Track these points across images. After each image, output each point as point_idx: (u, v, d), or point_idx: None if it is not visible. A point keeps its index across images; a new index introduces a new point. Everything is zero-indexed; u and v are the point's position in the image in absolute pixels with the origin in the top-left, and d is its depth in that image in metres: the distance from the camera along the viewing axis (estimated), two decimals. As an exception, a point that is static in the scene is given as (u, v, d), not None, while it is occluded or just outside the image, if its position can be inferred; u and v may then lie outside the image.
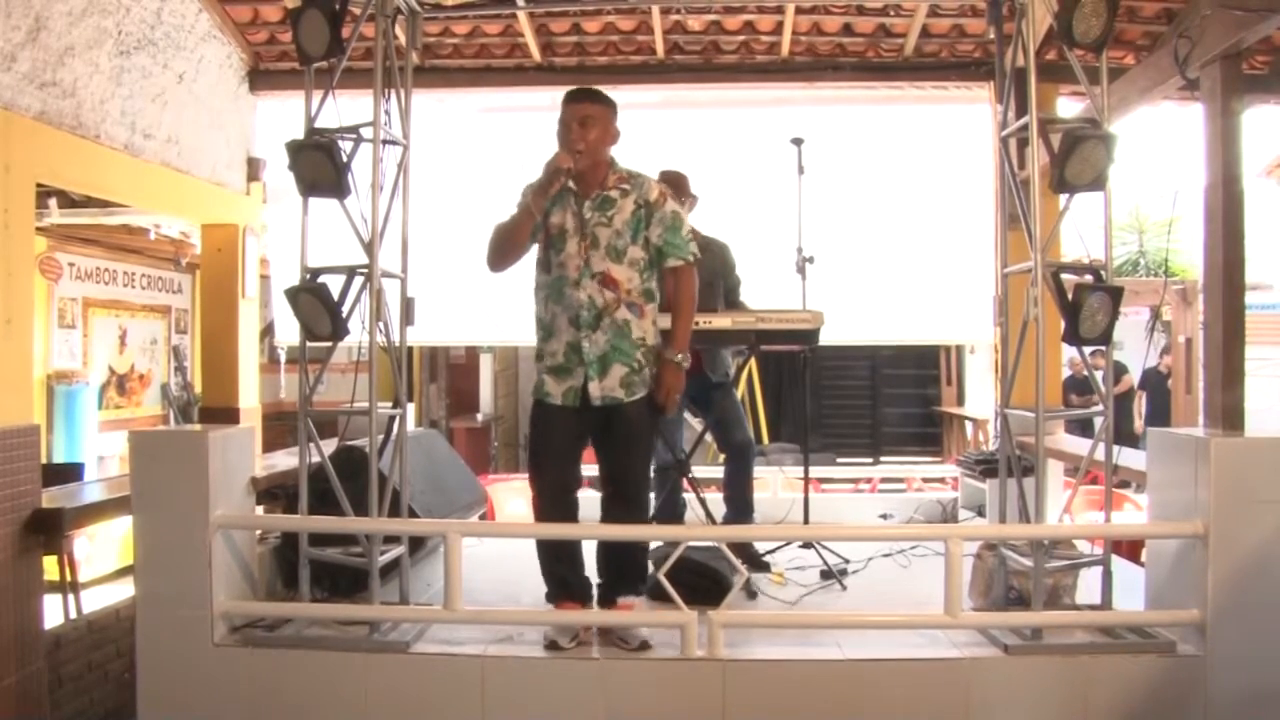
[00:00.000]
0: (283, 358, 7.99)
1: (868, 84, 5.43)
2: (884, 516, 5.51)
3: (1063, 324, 3.19)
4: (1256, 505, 2.94)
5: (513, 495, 6.33)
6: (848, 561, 4.00)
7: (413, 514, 3.62)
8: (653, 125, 5.62)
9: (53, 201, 5.71)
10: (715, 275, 4.05)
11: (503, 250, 3.14)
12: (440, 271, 5.56)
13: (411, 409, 4.25)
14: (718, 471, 4.42)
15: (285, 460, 3.93)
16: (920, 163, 5.81)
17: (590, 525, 3.29)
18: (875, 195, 5.85)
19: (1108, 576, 3.24)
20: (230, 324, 5.31)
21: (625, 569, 3.22)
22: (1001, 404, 3.54)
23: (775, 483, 5.62)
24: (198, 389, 7.88)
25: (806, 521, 4.26)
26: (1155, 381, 9.40)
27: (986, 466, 4.83)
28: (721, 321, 3.80)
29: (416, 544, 3.87)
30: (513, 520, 5.96)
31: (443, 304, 5.65)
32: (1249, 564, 2.93)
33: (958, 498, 5.52)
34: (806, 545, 4.14)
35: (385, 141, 3.30)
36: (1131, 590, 3.33)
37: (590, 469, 3.41)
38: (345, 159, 3.20)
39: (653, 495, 3.69)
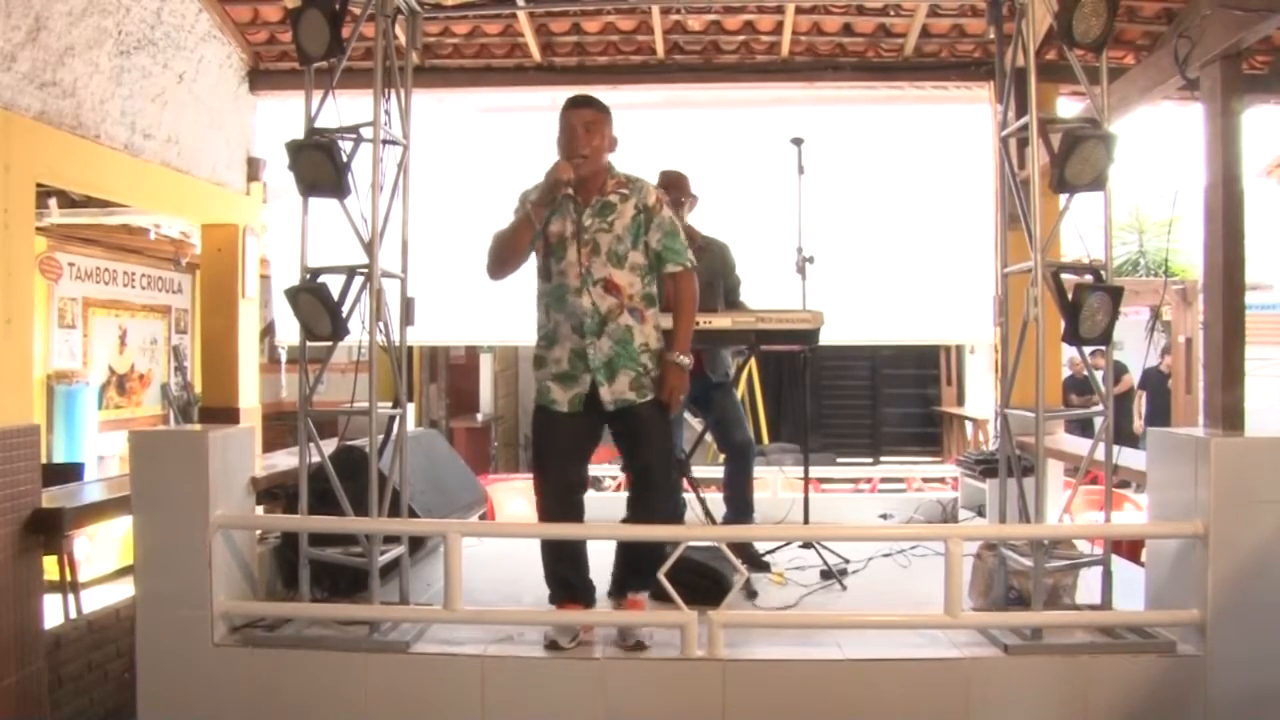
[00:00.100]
0: (283, 357, 7.98)
1: (868, 84, 5.43)
2: (884, 516, 5.51)
3: (1063, 324, 3.19)
4: (1256, 505, 2.94)
5: (513, 495, 6.33)
6: (848, 561, 4.00)
7: (413, 514, 3.62)
8: (653, 125, 5.62)
9: (53, 201, 5.71)
10: (715, 275, 4.05)
11: (502, 259, 3.15)
12: (440, 271, 5.56)
13: (411, 409, 4.25)
14: (718, 471, 4.42)
15: (285, 460, 3.93)
16: (920, 163, 5.81)
17: (590, 525, 3.29)
18: (875, 195, 5.85)
19: (1108, 576, 3.24)
20: (230, 324, 5.30)
21: (639, 564, 3.23)
22: (1001, 404, 3.54)
23: (775, 483, 5.62)
24: (198, 389, 7.88)
25: (806, 521, 4.27)
26: (1155, 381, 9.40)
27: (986, 466, 4.83)
28: (721, 321, 3.80)
29: (416, 544, 3.87)
30: (513, 520, 5.96)
31: (443, 304, 5.64)
32: (1249, 564, 2.93)
33: (958, 498, 5.52)
34: (806, 545, 4.15)
35: (385, 141, 3.31)
36: (1131, 590, 3.33)
37: (592, 469, 3.41)
38: (345, 159, 3.20)
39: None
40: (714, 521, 4.01)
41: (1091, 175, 3.16)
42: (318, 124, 3.29)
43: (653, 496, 3.23)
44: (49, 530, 3.55)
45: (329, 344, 3.28)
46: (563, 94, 3.21)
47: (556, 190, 3.02)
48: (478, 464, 8.03)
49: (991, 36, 4.16)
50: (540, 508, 3.25)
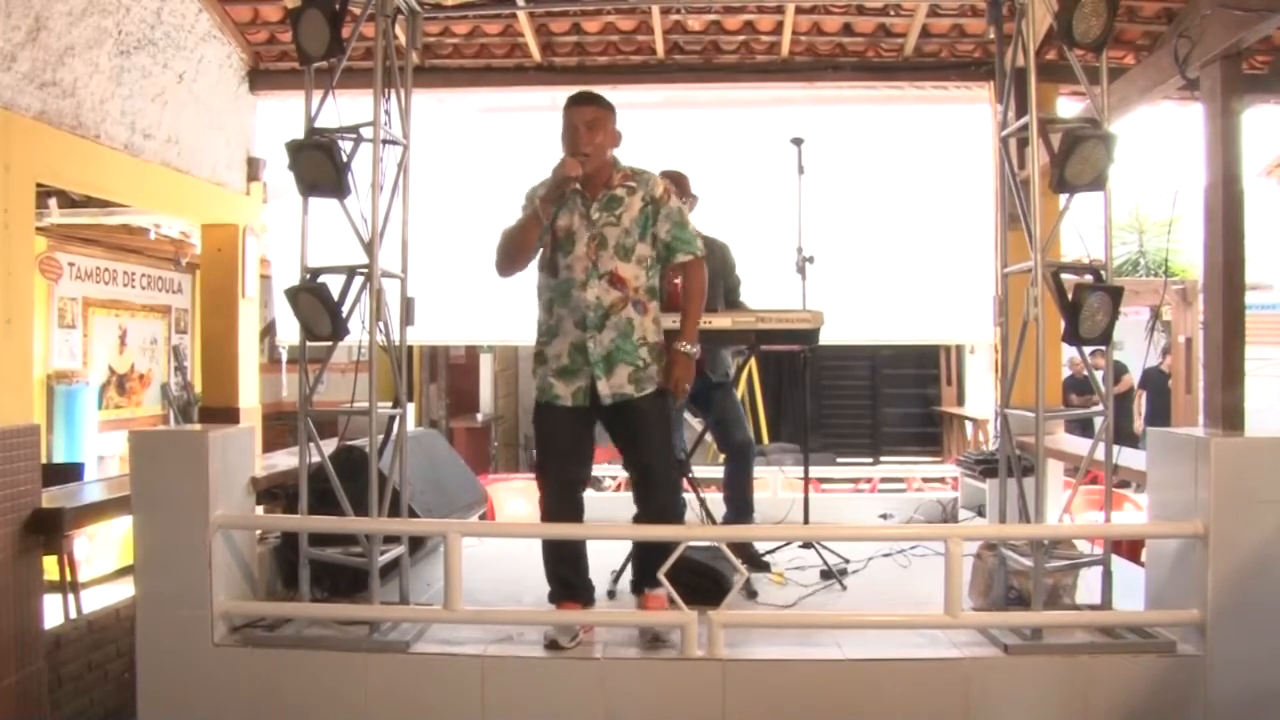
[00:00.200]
0: (284, 357, 7.98)
1: (868, 84, 5.43)
2: (884, 516, 5.51)
3: (1063, 324, 3.19)
4: (1256, 505, 2.94)
5: (513, 495, 6.33)
6: (848, 561, 4.00)
7: (413, 514, 3.62)
8: (653, 125, 5.61)
9: (53, 201, 5.71)
10: (715, 275, 4.04)
11: (511, 256, 3.16)
12: (440, 271, 5.56)
13: (411, 409, 4.25)
14: (718, 471, 4.42)
15: (285, 460, 3.93)
16: (920, 163, 5.81)
17: (590, 525, 3.29)
18: (875, 195, 5.84)
19: (1108, 576, 3.24)
20: (230, 324, 5.30)
21: (656, 562, 3.21)
22: (1001, 404, 3.54)
23: (775, 483, 5.62)
24: (198, 389, 7.88)
25: (806, 521, 4.26)
26: (1156, 381, 9.40)
27: (986, 466, 4.83)
28: (721, 321, 3.80)
29: (416, 544, 3.87)
30: (513, 520, 5.96)
31: (443, 304, 5.64)
32: (1249, 564, 2.93)
33: (958, 498, 5.52)
34: (806, 545, 4.14)
35: (385, 141, 3.31)
36: (1131, 590, 3.34)
37: (595, 469, 3.42)
38: (345, 159, 3.20)
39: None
40: (714, 521, 4.01)
41: (1091, 175, 3.16)
42: (318, 124, 3.29)
43: (657, 495, 3.24)
44: (49, 530, 3.55)
45: (329, 344, 3.28)
46: (563, 94, 3.21)
47: (564, 186, 3.03)
48: (478, 464, 8.03)
49: (991, 36, 4.16)
50: (542, 505, 3.26)
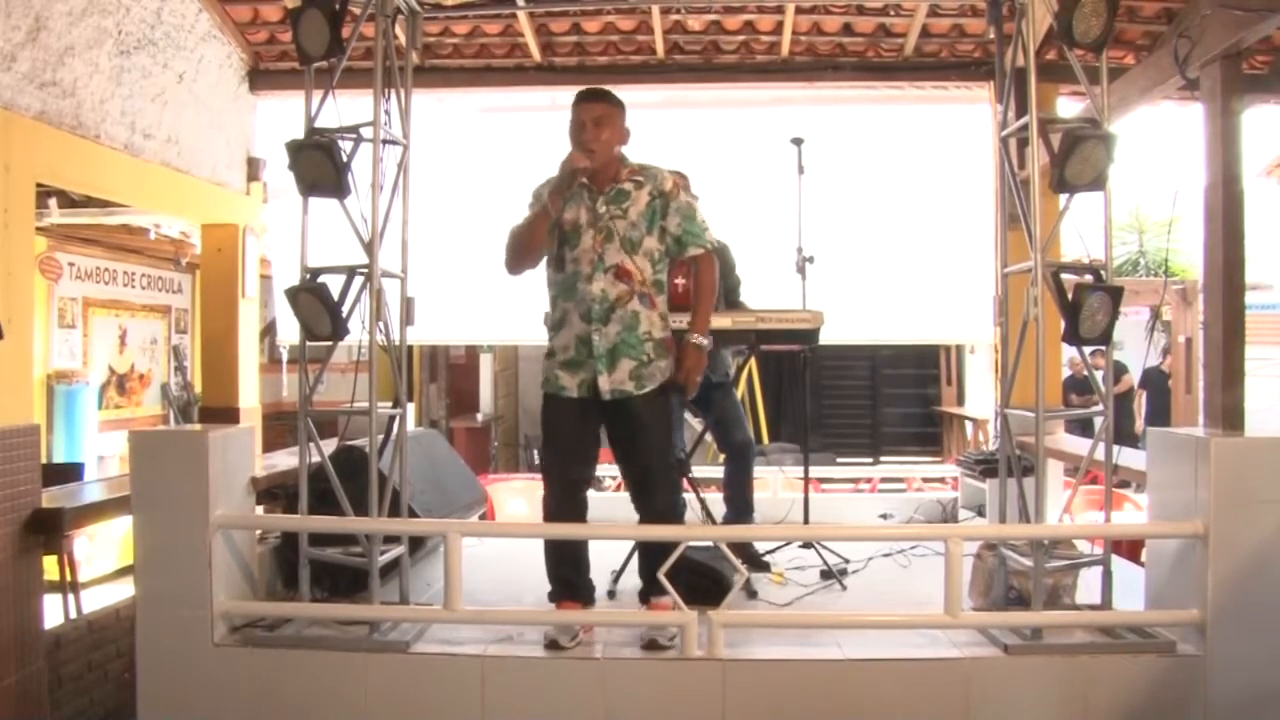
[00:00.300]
0: (284, 357, 7.98)
1: (868, 84, 5.43)
2: (884, 516, 5.51)
3: (1063, 324, 3.19)
4: (1256, 505, 2.94)
5: (513, 495, 6.34)
6: (848, 561, 4.00)
7: (413, 514, 3.62)
8: (653, 125, 5.60)
9: (53, 201, 5.71)
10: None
11: (520, 252, 3.16)
12: (440, 271, 5.56)
13: (411, 409, 4.25)
14: (718, 471, 4.42)
15: (285, 460, 3.93)
16: (920, 163, 5.81)
17: (590, 525, 3.29)
18: (875, 195, 5.84)
19: (1108, 576, 3.24)
20: (230, 324, 5.30)
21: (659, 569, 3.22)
22: (1001, 404, 3.54)
23: (775, 483, 5.62)
24: (198, 389, 7.88)
25: (806, 521, 4.26)
26: (1156, 381, 9.40)
27: (986, 466, 4.83)
28: (721, 321, 3.79)
29: (416, 544, 3.87)
30: (513, 520, 5.96)
31: (443, 304, 5.64)
32: (1249, 564, 2.93)
33: (958, 498, 5.52)
34: (806, 545, 4.14)
35: (385, 141, 3.31)
36: (1131, 590, 3.33)
37: (601, 469, 3.41)
38: (345, 159, 3.20)
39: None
40: (714, 521, 4.01)
41: (1091, 175, 3.16)
42: (318, 124, 3.28)
43: (657, 498, 3.22)
44: (49, 530, 3.55)
45: (329, 344, 3.28)
46: (563, 94, 3.22)
47: (573, 179, 3.04)
48: (478, 464, 8.03)
49: (991, 36, 4.16)
50: (545, 504, 3.26)
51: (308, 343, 3.35)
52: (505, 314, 5.68)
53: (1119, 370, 8.55)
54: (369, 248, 3.26)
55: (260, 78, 5.41)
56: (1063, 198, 3.31)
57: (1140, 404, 9.65)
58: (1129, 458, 3.49)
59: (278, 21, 5.09)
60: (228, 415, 5.14)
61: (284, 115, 5.18)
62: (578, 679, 3.01)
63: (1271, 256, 11.23)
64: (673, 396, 3.25)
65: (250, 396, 5.39)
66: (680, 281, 3.40)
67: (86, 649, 3.76)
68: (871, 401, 11.52)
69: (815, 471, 5.28)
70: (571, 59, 5.41)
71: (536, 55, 5.33)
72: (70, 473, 5.17)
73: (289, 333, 6.11)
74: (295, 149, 3.20)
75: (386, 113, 3.35)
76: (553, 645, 3.06)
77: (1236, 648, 2.93)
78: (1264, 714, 2.91)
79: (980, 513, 5.12)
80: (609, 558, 3.60)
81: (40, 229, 6.24)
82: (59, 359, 7.58)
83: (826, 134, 5.44)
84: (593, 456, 3.28)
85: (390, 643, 3.12)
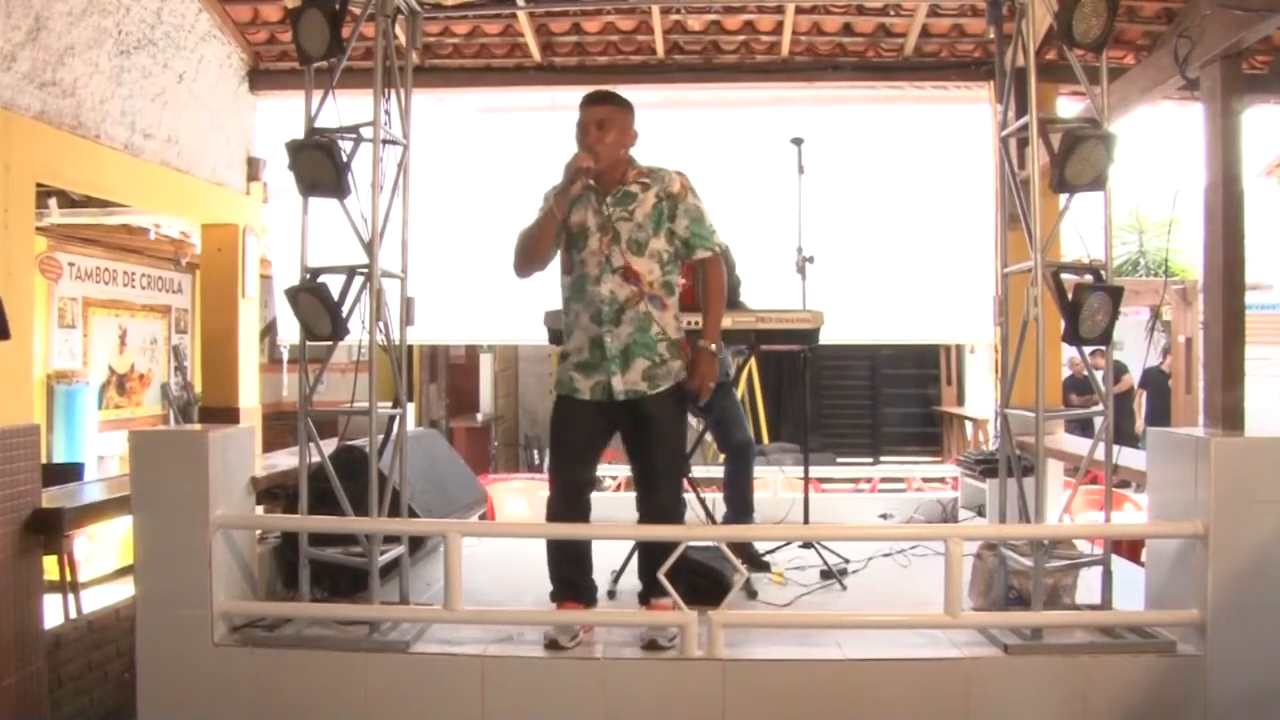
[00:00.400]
0: (284, 357, 7.99)
1: (868, 84, 5.42)
2: (884, 516, 5.51)
3: (1063, 324, 3.19)
4: (1256, 505, 2.94)
5: (513, 495, 6.33)
6: (848, 561, 4.00)
7: (413, 514, 3.62)
8: (653, 125, 5.57)
9: (53, 201, 5.71)
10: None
11: (528, 255, 3.16)
12: (440, 271, 5.55)
13: (411, 409, 4.25)
14: (718, 471, 4.42)
15: (285, 460, 3.93)
16: (920, 163, 5.81)
17: (591, 526, 3.29)
18: (875, 195, 5.85)
19: (1108, 576, 3.24)
20: (230, 324, 5.30)
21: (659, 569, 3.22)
22: (1001, 404, 3.54)
23: (775, 483, 5.62)
24: (198, 389, 7.88)
25: (806, 521, 4.27)
26: (1156, 381, 9.40)
27: (986, 466, 4.83)
28: (722, 321, 3.79)
29: (416, 544, 3.87)
30: (513, 520, 5.96)
31: (443, 304, 5.64)
32: (1249, 564, 2.93)
33: (958, 498, 5.52)
34: (806, 545, 4.15)
35: (385, 141, 3.30)
36: (1131, 590, 3.33)
37: (600, 469, 3.40)
38: (345, 159, 3.20)
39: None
40: (714, 521, 4.01)
41: (1091, 175, 3.15)
42: (318, 124, 3.28)
43: (658, 499, 3.21)
44: (49, 530, 3.55)
45: (329, 344, 3.28)
46: (563, 94, 3.23)
47: (578, 179, 3.03)
48: (478, 464, 8.03)
49: (991, 36, 4.16)
50: (549, 504, 3.26)
51: (308, 343, 3.35)
52: (505, 314, 5.67)
53: (1119, 370, 8.55)
54: (369, 248, 3.26)
55: (260, 78, 5.41)
56: (1063, 198, 3.31)
57: (1140, 404, 9.65)
58: (1129, 458, 3.49)
59: (278, 21, 5.09)
60: (228, 415, 5.14)
61: (284, 115, 5.18)
62: (578, 679, 3.00)
63: (1271, 256, 11.23)
64: (684, 400, 3.24)
65: (250, 396, 5.39)
66: (682, 281, 3.40)
67: (86, 649, 3.76)
68: (871, 401, 11.52)
69: (815, 471, 5.28)
70: (571, 59, 5.41)
71: (536, 55, 5.33)
72: (70, 473, 5.18)
73: (289, 333, 6.11)
74: (295, 149, 3.20)
75: (386, 113, 3.35)
76: (553, 645, 3.06)
77: (1236, 648, 2.93)
78: (1264, 714, 2.91)
79: (980, 513, 5.12)
80: (609, 558, 3.60)
81: (40, 229, 6.24)
82: (59, 359, 7.58)
83: (826, 134, 5.44)
84: (597, 459, 3.28)
85: (390, 643, 3.12)
